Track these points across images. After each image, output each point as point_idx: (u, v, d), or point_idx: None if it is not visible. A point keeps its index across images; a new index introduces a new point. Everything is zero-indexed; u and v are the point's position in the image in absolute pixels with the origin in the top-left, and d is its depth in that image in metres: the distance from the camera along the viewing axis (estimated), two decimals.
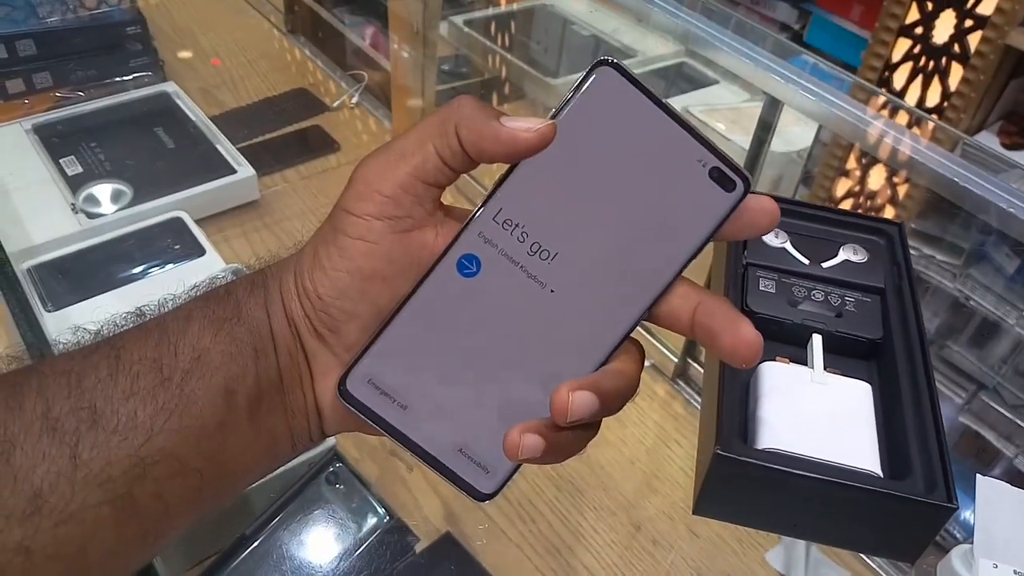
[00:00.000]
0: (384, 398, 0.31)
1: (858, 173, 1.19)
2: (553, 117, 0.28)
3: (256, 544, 0.64)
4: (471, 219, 0.29)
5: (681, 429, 0.83)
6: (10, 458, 0.26)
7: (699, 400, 0.85)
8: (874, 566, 0.72)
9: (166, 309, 0.32)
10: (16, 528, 0.26)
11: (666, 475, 0.79)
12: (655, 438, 0.82)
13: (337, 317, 0.30)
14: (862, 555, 0.73)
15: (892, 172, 1.16)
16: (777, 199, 0.46)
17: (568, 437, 0.30)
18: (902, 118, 0.66)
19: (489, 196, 0.29)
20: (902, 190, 1.17)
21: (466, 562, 0.67)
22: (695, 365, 0.86)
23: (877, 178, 1.17)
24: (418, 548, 0.67)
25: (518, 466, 0.31)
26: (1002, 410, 0.94)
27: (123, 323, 0.32)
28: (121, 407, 0.28)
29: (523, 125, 0.28)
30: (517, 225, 0.29)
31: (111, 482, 0.27)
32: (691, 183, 0.28)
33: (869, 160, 1.16)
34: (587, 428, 0.30)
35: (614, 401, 0.29)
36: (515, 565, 0.70)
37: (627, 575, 0.71)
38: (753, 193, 0.29)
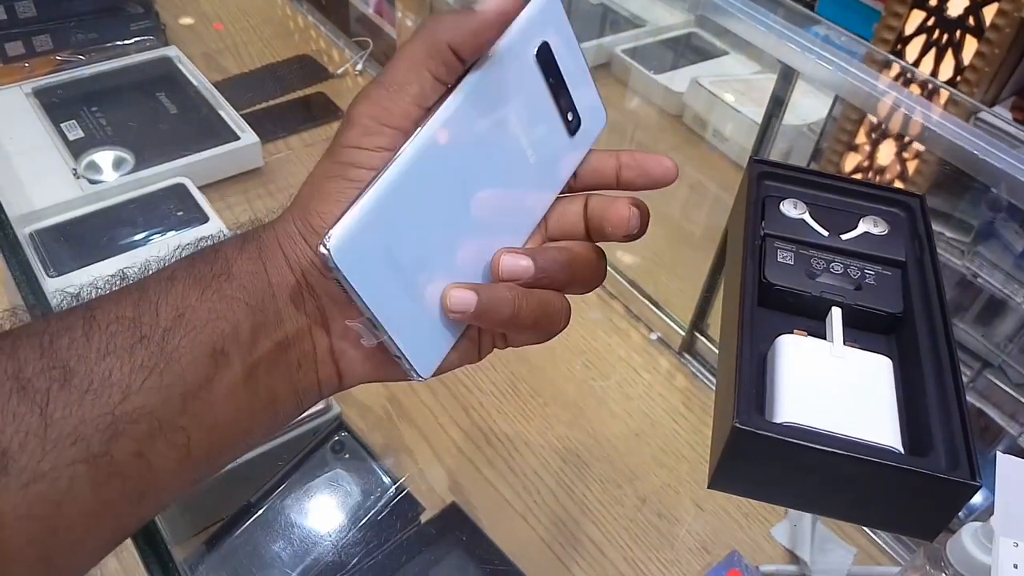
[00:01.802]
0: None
1: (867, 148, 1.18)
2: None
3: (261, 512, 0.64)
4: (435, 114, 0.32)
5: (687, 403, 0.83)
6: None
7: (705, 374, 0.85)
8: (880, 542, 0.72)
9: (150, 272, 0.31)
10: None
11: (672, 448, 0.78)
12: (661, 411, 0.82)
13: None
14: (868, 531, 0.73)
15: (902, 147, 1.14)
16: (795, 168, 0.46)
17: (506, 299, 0.32)
18: (917, 89, 0.65)
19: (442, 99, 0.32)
20: (911, 165, 1.16)
21: (472, 532, 0.67)
22: (702, 339, 0.85)
23: (887, 153, 1.15)
24: (424, 518, 0.67)
25: (448, 348, 0.33)
26: (1007, 388, 0.94)
27: (104, 287, 0.31)
28: (95, 366, 0.27)
29: (498, 1, 0.31)
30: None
31: (84, 440, 0.27)
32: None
33: (879, 135, 1.14)
34: (542, 306, 0.33)
35: (556, 271, 0.34)
36: (520, 536, 0.70)
37: (633, 547, 0.71)
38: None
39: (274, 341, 0.30)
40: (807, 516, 0.71)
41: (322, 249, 0.28)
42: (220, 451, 0.31)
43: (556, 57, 0.34)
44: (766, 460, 0.35)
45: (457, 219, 0.33)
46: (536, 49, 0.33)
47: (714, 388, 0.83)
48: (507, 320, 0.32)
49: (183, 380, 0.28)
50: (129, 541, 0.39)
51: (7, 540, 0.26)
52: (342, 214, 0.29)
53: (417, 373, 0.32)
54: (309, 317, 0.31)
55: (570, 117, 0.35)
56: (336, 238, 0.28)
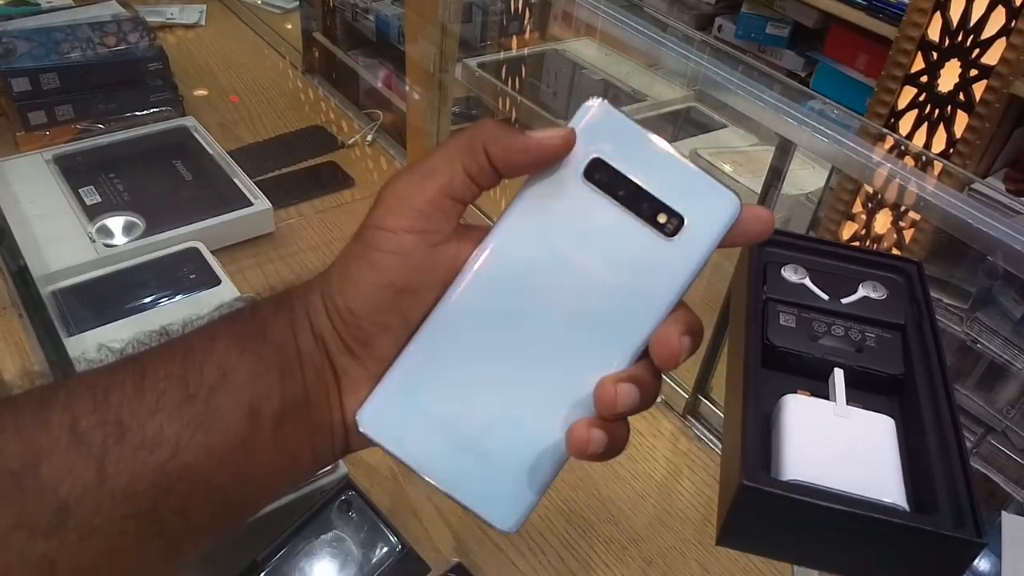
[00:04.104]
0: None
1: (864, 217, 1.21)
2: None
3: (268, 570, 0.64)
4: (483, 245, 0.32)
5: (691, 465, 0.83)
6: (37, 470, 0.26)
7: (709, 436, 0.86)
8: None
9: (190, 329, 0.32)
10: (41, 541, 0.26)
11: (676, 510, 0.79)
12: (665, 473, 0.82)
13: (369, 330, 0.31)
14: None
15: (898, 216, 1.17)
16: (795, 236, 0.48)
17: (613, 431, 0.31)
18: (911, 160, 0.68)
19: (498, 223, 0.32)
20: (908, 234, 1.18)
21: None
22: (705, 401, 0.86)
23: (883, 222, 1.18)
24: None
25: (539, 498, 0.32)
26: (1011, 454, 0.94)
27: (147, 341, 0.32)
28: (147, 422, 0.28)
29: (547, 133, 0.31)
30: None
31: (136, 497, 0.27)
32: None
33: (875, 204, 1.17)
34: (623, 427, 0.32)
35: (648, 395, 0.31)
36: None
37: None
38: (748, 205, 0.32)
39: (299, 404, 0.31)
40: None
41: (359, 423, 0.31)
42: (246, 507, 0.32)
43: (617, 166, 0.31)
44: (772, 517, 0.36)
45: (514, 366, 0.31)
46: (584, 168, 0.31)
47: (718, 450, 0.84)
48: (613, 454, 0.32)
49: (225, 438, 0.29)
50: None
51: None
52: (377, 384, 0.31)
53: (496, 527, 0.32)
54: (328, 386, 0.32)
55: (662, 219, 0.31)
56: (367, 412, 0.31)
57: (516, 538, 0.75)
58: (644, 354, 0.31)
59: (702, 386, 0.86)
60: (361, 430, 0.32)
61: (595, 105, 0.31)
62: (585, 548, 0.75)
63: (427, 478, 0.31)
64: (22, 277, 0.57)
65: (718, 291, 0.83)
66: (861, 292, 0.44)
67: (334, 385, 0.32)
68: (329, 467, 0.71)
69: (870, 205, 1.17)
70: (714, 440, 0.85)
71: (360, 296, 0.31)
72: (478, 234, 0.32)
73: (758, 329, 0.43)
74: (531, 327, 0.31)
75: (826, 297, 0.44)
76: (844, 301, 0.44)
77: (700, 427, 0.87)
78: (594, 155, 0.31)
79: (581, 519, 0.77)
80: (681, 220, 0.31)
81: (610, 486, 0.80)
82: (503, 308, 0.31)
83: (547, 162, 0.31)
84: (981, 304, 1.03)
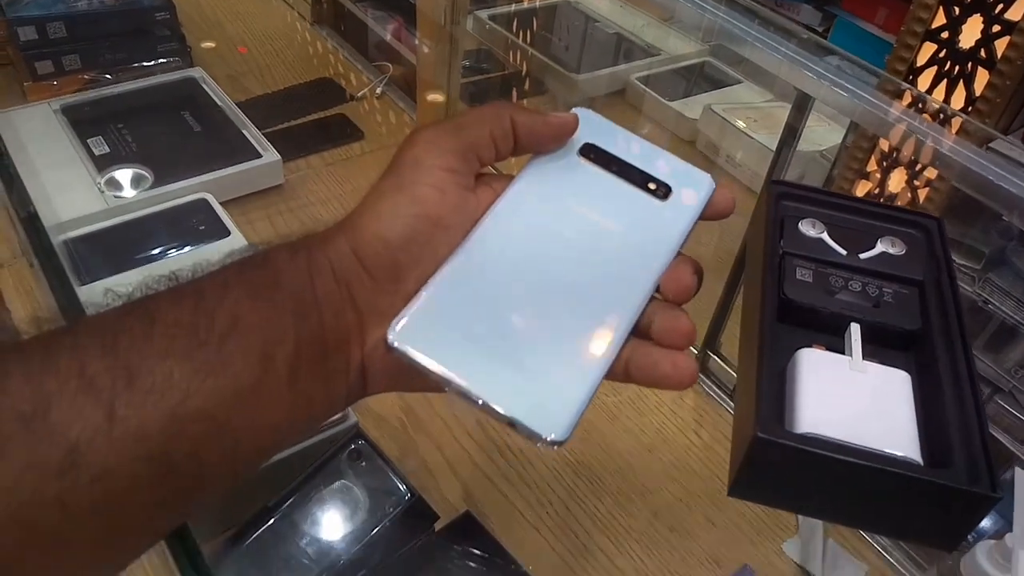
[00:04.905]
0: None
1: (879, 176, 1.19)
2: None
3: (278, 516, 0.65)
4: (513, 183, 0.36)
5: (700, 420, 0.84)
6: (47, 414, 0.26)
7: (718, 392, 0.86)
8: (891, 560, 0.73)
9: (200, 275, 0.32)
10: (53, 482, 0.26)
11: (684, 464, 0.79)
12: (674, 428, 0.83)
13: (402, 262, 0.32)
14: (879, 548, 0.73)
15: (913, 175, 1.16)
16: (813, 190, 0.47)
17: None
18: (930, 117, 0.66)
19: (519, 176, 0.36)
20: (922, 193, 1.17)
21: (485, 541, 0.68)
22: (715, 357, 0.86)
23: (898, 181, 1.17)
24: (437, 526, 0.68)
25: (584, 406, 0.31)
26: (1017, 414, 0.94)
27: (156, 285, 0.32)
28: (157, 367, 0.28)
29: (561, 113, 0.37)
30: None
31: (147, 440, 0.27)
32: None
33: (890, 163, 1.16)
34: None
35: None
36: (533, 546, 0.71)
37: (645, 560, 0.71)
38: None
39: (315, 350, 0.31)
40: (818, 532, 0.72)
41: (391, 339, 0.31)
42: (260, 452, 0.32)
43: (607, 149, 0.37)
44: (785, 469, 0.36)
45: (547, 289, 0.33)
46: (580, 147, 0.37)
47: (727, 406, 0.84)
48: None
49: (236, 383, 0.29)
50: None
51: (75, 533, 0.27)
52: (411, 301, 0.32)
53: (542, 438, 0.30)
54: (349, 331, 0.32)
55: (652, 187, 0.37)
56: (400, 326, 0.31)
57: (524, 489, 0.76)
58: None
59: (712, 342, 0.86)
60: (396, 345, 0.31)
61: (582, 111, 0.38)
62: (592, 500, 0.76)
63: (467, 389, 0.30)
64: (32, 223, 0.56)
65: (728, 249, 0.83)
66: (880, 247, 0.44)
67: (355, 327, 0.32)
68: (339, 416, 0.72)
69: (885, 164, 1.16)
70: (723, 396, 0.86)
71: (398, 226, 0.32)
72: (498, 184, 0.36)
73: (774, 283, 0.42)
74: (559, 258, 0.34)
75: (844, 252, 0.43)
76: (862, 256, 0.43)
77: (709, 383, 0.87)
78: (586, 141, 0.37)
79: (589, 471, 0.78)
80: (668, 188, 0.36)
81: (618, 439, 0.81)
82: (531, 242, 0.34)
83: (559, 137, 0.36)
84: (994, 265, 1.02)
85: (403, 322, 0.31)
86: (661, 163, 0.37)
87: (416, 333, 0.31)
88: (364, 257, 0.32)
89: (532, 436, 0.30)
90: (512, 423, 0.30)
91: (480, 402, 0.30)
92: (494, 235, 0.34)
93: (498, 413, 0.30)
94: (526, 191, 0.35)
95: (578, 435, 0.82)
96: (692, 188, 0.37)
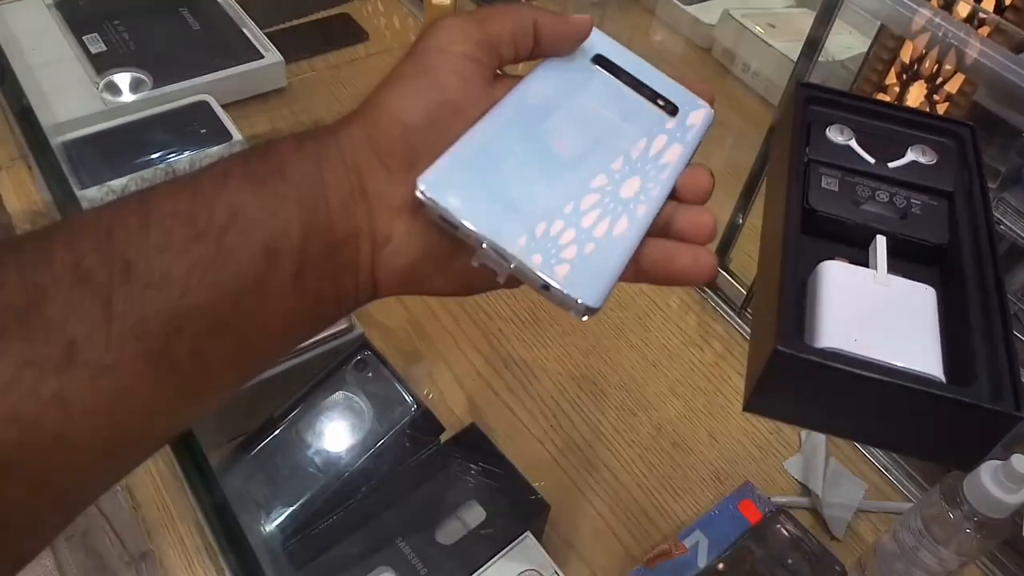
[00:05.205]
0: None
1: (897, 89, 1.16)
2: None
3: (284, 426, 0.65)
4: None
5: (706, 336, 0.83)
6: (41, 307, 0.25)
7: (726, 309, 0.85)
8: (891, 479, 0.73)
9: (199, 167, 0.30)
10: (52, 378, 0.25)
11: (688, 380, 0.79)
12: (679, 343, 0.82)
13: (419, 150, 0.30)
14: (880, 467, 0.74)
15: (932, 90, 1.12)
16: (843, 94, 0.45)
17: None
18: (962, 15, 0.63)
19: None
20: (941, 109, 1.14)
21: (490, 452, 0.68)
22: (723, 273, 0.85)
23: (916, 95, 1.13)
24: (443, 438, 0.68)
25: (618, 274, 0.30)
26: (1021, 337, 0.94)
27: (152, 178, 0.30)
28: (154, 260, 0.27)
29: (580, 15, 0.36)
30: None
31: (147, 336, 0.26)
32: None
33: (910, 76, 1.12)
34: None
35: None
36: (537, 459, 0.72)
37: (647, 474, 0.72)
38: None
39: (323, 243, 0.30)
40: (821, 450, 0.72)
41: (417, 189, 0.29)
42: (266, 352, 0.31)
43: (615, 62, 0.37)
44: (805, 384, 0.36)
45: (576, 163, 0.33)
46: (591, 57, 0.37)
47: (734, 323, 0.84)
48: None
49: (238, 278, 0.28)
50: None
51: (76, 434, 0.26)
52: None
53: (576, 302, 0.29)
54: (358, 223, 0.31)
55: (660, 103, 0.36)
56: (430, 176, 0.29)
57: (528, 401, 0.76)
58: None
59: (721, 259, 0.85)
60: (427, 195, 0.29)
61: (593, 30, 0.37)
62: (596, 414, 0.76)
63: (502, 248, 0.29)
64: (27, 118, 0.54)
65: (741, 161, 0.80)
66: (910, 156, 0.42)
67: (365, 219, 0.31)
68: (345, 326, 0.71)
69: (904, 76, 1.12)
70: (731, 312, 0.85)
71: (419, 110, 0.31)
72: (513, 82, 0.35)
73: (798, 192, 0.41)
74: (585, 140, 0.33)
75: (872, 160, 0.42)
76: (891, 165, 0.42)
77: (716, 299, 0.86)
78: (598, 52, 0.37)
79: (593, 385, 0.78)
80: (675, 107, 0.36)
81: (623, 354, 0.80)
82: (557, 122, 0.33)
83: (577, 38, 0.36)
84: (1009, 183, 1.00)
85: (435, 172, 0.30)
86: (667, 86, 0.37)
87: (448, 185, 0.29)
88: (379, 143, 0.30)
89: (565, 301, 0.29)
90: (546, 286, 0.29)
91: (513, 264, 0.29)
92: (522, 109, 0.33)
93: (533, 275, 0.29)
94: (546, 80, 0.35)
95: (583, 349, 0.81)
96: (696, 112, 0.37)
